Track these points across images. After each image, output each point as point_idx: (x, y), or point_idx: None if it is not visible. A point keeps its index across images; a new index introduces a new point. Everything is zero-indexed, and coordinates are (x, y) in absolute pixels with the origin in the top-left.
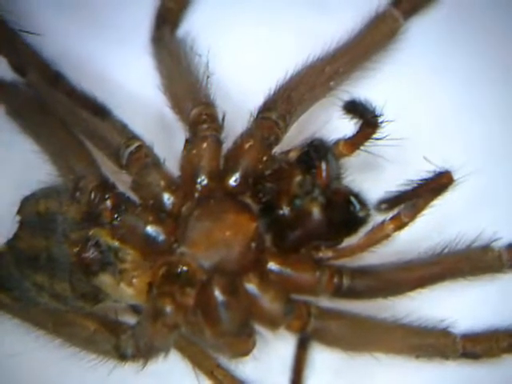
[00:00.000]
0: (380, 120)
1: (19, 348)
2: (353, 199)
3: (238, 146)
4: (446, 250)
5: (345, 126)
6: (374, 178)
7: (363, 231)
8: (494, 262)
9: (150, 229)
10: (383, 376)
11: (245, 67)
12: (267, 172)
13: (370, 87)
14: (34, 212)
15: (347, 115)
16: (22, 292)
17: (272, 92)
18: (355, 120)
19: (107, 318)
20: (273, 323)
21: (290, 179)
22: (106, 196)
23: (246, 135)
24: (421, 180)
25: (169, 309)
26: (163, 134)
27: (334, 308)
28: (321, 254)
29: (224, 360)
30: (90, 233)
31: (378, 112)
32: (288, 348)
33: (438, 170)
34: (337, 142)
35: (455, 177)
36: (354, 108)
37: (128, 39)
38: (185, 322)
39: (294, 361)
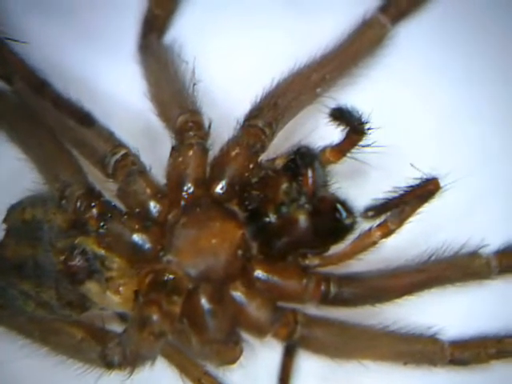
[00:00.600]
0: (366, 127)
1: (5, 356)
2: (339, 206)
3: (224, 153)
4: (433, 257)
5: (331, 133)
6: (360, 185)
7: (350, 239)
8: (482, 269)
9: (136, 237)
10: (371, 383)
11: (231, 74)
12: (253, 179)
13: (356, 94)
14: (20, 220)
15: (334, 122)
16: (9, 300)
17: (258, 99)
18: (342, 127)
19: (94, 326)
20: (260, 331)
21: (276, 187)
22: (92, 204)
23: (233, 143)
24: (408, 187)
25: (155, 317)
26: (149, 142)
27: (321, 315)
28: (307, 262)
29: (211, 368)
30: (76, 241)
31: (364, 119)
32: (275, 356)
33: (424, 176)
34: (323, 150)
35: (442, 184)
36: (341, 115)
37: (115, 47)
38: (171, 330)
39: (281, 368)
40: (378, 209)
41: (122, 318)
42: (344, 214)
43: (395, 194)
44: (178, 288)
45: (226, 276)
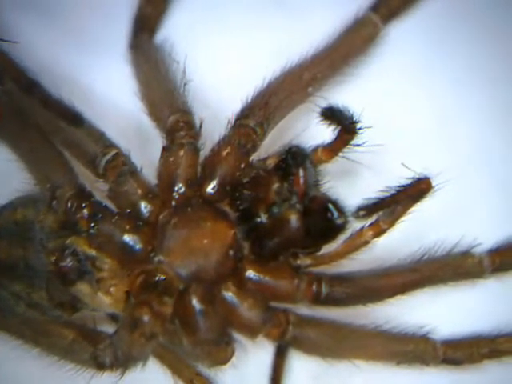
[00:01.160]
0: (358, 126)
1: None
2: (331, 206)
3: (215, 153)
4: (425, 257)
5: (323, 133)
6: (352, 184)
7: (342, 238)
8: (475, 268)
9: (127, 237)
10: (363, 383)
11: (222, 74)
12: (245, 179)
13: (348, 93)
14: (11, 221)
15: (325, 122)
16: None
17: (249, 99)
18: (333, 126)
19: (85, 327)
20: (251, 331)
21: (267, 186)
22: (83, 205)
23: (224, 142)
24: (399, 186)
25: (146, 318)
26: (140, 142)
27: (313, 315)
28: (299, 262)
29: (203, 368)
30: (67, 241)
31: (355, 118)
32: (267, 356)
33: (416, 176)
34: (315, 149)
35: (434, 183)
36: (332, 114)
37: (106, 47)
38: (163, 330)
39: (273, 368)
40: (369, 208)
41: (113, 318)
42: (335, 213)
43: (387, 194)
44: (169, 289)
45: (217, 276)
